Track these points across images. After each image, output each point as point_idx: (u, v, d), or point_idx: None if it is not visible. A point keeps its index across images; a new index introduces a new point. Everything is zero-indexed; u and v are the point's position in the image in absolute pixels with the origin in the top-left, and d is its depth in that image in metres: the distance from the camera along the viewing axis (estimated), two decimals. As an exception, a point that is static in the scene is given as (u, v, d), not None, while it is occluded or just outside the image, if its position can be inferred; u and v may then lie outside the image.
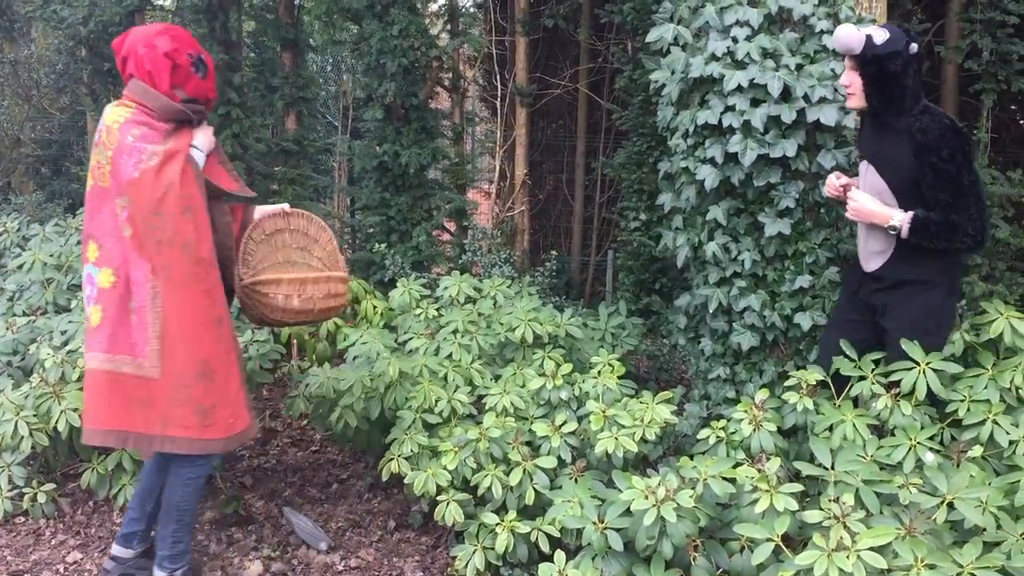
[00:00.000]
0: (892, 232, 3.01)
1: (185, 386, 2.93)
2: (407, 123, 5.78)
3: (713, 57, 3.51)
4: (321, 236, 3.42)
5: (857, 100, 3.08)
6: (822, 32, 3.45)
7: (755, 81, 3.42)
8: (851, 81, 3.05)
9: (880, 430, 3.14)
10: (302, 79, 6.29)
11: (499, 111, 6.36)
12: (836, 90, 3.43)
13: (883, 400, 3.10)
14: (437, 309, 4.23)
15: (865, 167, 3.12)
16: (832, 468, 2.83)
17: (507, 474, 3.19)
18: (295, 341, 4.71)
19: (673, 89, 3.69)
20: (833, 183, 3.17)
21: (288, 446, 4.41)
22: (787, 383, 3.34)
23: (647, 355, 5.12)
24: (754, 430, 3.12)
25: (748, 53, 3.45)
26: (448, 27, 6.09)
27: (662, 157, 5.75)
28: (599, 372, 3.61)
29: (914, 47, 2.96)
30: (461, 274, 5.82)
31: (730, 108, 3.47)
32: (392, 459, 3.39)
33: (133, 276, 2.96)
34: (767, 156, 3.46)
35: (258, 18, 6.33)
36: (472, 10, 6.58)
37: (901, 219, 3.00)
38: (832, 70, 3.42)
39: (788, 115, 3.41)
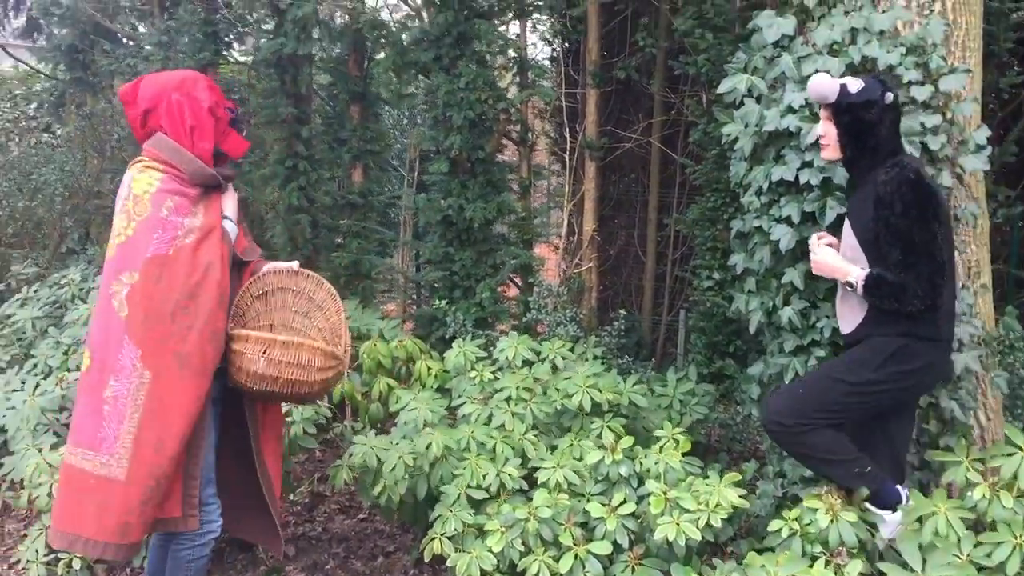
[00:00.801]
0: (849, 289, 2.86)
1: (163, 486, 2.75)
2: (473, 176, 5.63)
3: (790, 109, 3.27)
4: (328, 305, 3.16)
5: (831, 151, 2.96)
6: (910, 83, 3.17)
7: (836, 135, 3.16)
8: (826, 131, 2.95)
9: (977, 525, 2.80)
10: (370, 132, 6.22)
11: (568, 164, 6.17)
12: (926, 145, 3.15)
13: (980, 489, 2.77)
14: (493, 372, 4.01)
15: (845, 222, 2.99)
16: (923, 572, 2.50)
17: (557, 560, 2.93)
18: (348, 402, 4.55)
19: (746, 143, 3.45)
20: (814, 243, 3.01)
21: (336, 512, 4.23)
22: (871, 466, 3.01)
23: (719, 423, 4.80)
24: (832, 521, 2.80)
25: (828, 105, 3.19)
26: (517, 80, 5.95)
27: (736, 214, 5.51)
28: (661, 447, 3.34)
29: (889, 96, 2.85)
30: (525, 331, 5.64)
31: (807, 164, 3.22)
32: (435, 538, 3.16)
33: (116, 362, 2.73)
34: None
35: (330, 71, 6.29)
36: (543, 62, 6.44)
37: (857, 276, 2.82)
38: (922, 124, 3.14)
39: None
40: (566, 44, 6.56)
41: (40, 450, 3.61)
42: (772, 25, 3.41)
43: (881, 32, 3.21)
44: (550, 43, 6.73)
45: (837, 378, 2.86)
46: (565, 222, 6.20)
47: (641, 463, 3.29)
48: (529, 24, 6.14)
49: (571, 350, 4.48)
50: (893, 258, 2.76)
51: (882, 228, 2.78)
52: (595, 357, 4.54)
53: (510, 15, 5.97)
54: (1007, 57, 5.48)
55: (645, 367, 5.24)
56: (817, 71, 3.27)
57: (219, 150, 2.96)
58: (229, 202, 3.00)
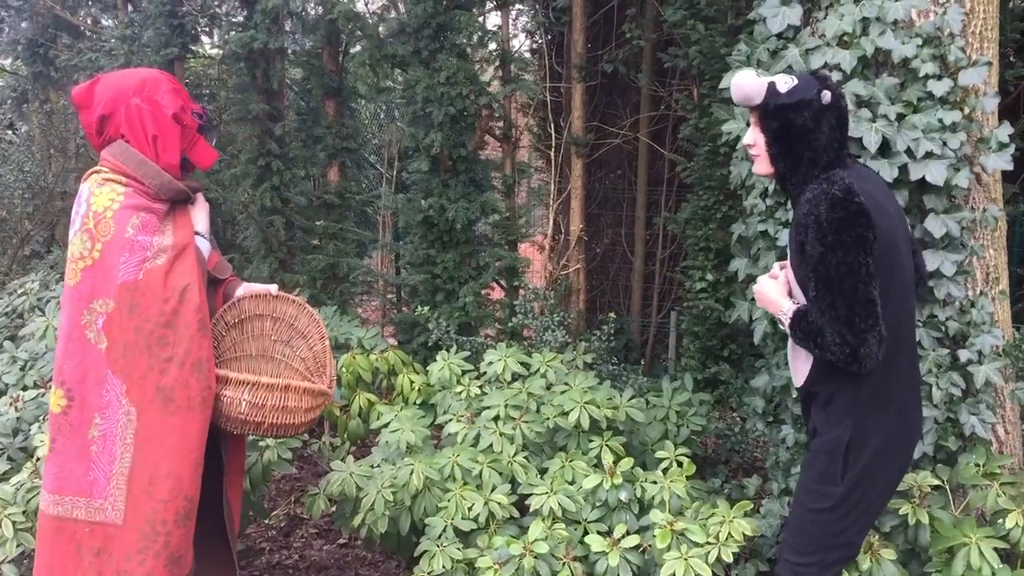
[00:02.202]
0: (783, 327, 2.46)
1: (163, 534, 2.46)
2: (455, 175, 5.38)
3: (798, 106, 3.03)
4: (311, 332, 2.89)
5: (762, 163, 2.52)
6: (927, 77, 2.95)
7: (848, 133, 2.94)
8: (755, 139, 2.51)
9: (1012, 555, 2.59)
10: (346, 128, 5.95)
11: (553, 162, 5.93)
12: (945, 144, 2.93)
13: (1014, 517, 2.56)
14: (480, 387, 3.77)
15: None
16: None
17: (556, 599, 2.70)
18: (326, 418, 4.29)
19: (750, 142, 3.21)
20: (775, 273, 2.60)
21: (314, 537, 3.97)
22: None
23: (716, 434, 4.59)
24: (871, 559, 2.58)
25: (839, 101, 2.97)
26: (500, 73, 5.70)
27: (731, 212, 5.30)
28: (665, 470, 3.11)
29: (827, 96, 2.41)
30: (511, 336, 5.40)
31: (819, 165, 2.99)
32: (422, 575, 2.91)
33: (100, 398, 2.48)
34: (863, 220, 2.96)
35: (303, 65, 6.01)
36: (526, 55, 6.19)
37: (787, 309, 2.44)
38: (940, 120, 2.93)
39: (888, 172, 2.92)
40: (549, 36, 6.31)
41: (-8, 479, 3.34)
42: (777, 15, 3.18)
43: (895, 22, 2.99)
44: (532, 35, 6.48)
45: (812, 509, 2.46)
46: (551, 221, 5.96)
47: (642, 487, 3.07)
48: (511, 15, 5.88)
49: (560, 352, 4.26)
50: (810, 294, 2.37)
51: (796, 257, 2.41)
52: (586, 365, 4.32)
53: (491, 5, 5.71)
54: (1005, 48, 5.30)
55: (635, 371, 5.02)
56: (827, 64, 3.05)
57: (186, 159, 2.68)
58: (200, 216, 2.73)
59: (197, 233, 2.65)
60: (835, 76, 3.01)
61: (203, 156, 2.69)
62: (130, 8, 6.18)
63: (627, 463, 3.15)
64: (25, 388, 3.96)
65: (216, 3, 5.96)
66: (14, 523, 3.06)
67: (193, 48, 6.22)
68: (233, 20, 6.14)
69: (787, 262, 2.56)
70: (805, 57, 3.07)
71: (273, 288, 2.87)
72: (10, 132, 8.18)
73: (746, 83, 2.42)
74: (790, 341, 2.56)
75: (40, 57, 6.49)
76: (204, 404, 2.52)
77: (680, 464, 3.15)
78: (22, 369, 4.12)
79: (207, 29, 6.21)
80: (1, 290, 5.37)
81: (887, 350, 2.34)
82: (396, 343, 5.70)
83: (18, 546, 3.05)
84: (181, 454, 2.48)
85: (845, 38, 3.05)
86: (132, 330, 2.47)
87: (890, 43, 2.96)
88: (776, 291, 2.50)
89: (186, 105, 2.63)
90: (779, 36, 3.22)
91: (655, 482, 3.04)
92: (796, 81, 2.43)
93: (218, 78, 6.96)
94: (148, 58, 5.79)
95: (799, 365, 2.54)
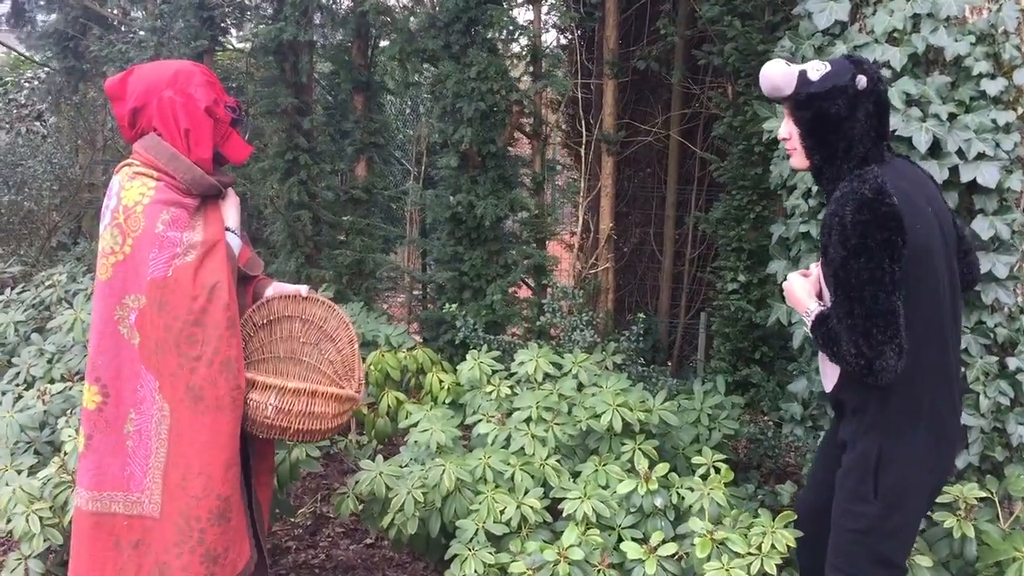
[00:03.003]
0: (806, 329, 2.37)
1: (197, 530, 2.42)
2: (484, 171, 5.32)
3: (845, 104, 2.95)
4: (339, 335, 2.83)
5: (798, 157, 2.40)
6: (980, 76, 2.86)
7: (897, 133, 2.86)
8: (789, 132, 2.39)
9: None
10: (374, 123, 5.91)
11: (583, 159, 5.85)
12: (998, 145, 2.84)
13: (1066, 531, 2.47)
14: (511, 387, 3.71)
15: None
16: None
17: (591, 607, 2.63)
18: (353, 416, 4.24)
19: (793, 141, 3.13)
20: (809, 271, 2.51)
21: (340, 536, 3.92)
22: (940, 499, 2.72)
23: (748, 437, 4.50)
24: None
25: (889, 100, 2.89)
26: (531, 69, 5.63)
27: (765, 213, 5.21)
28: (702, 476, 3.04)
29: (862, 81, 2.26)
30: (539, 336, 5.33)
31: (866, 165, 2.90)
32: (453, 580, 2.86)
33: (135, 394, 2.45)
34: (911, 223, 2.88)
35: (332, 59, 5.97)
36: (557, 51, 6.11)
37: (812, 311, 2.33)
38: (993, 120, 2.83)
39: (938, 173, 2.84)
40: (580, 32, 6.23)
41: (20, 472, 3.30)
42: (824, 10, 3.09)
43: (947, 18, 2.90)
44: (564, 31, 6.40)
45: (850, 530, 2.34)
46: (580, 220, 5.88)
47: (678, 494, 2.99)
48: (543, 10, 5.80)
49: (588, 352, 4.19)
50: (830, 299, 2.27)
51: (821, 258, 2.30)
52: (616, 366, 4.24)
53: (522, 0, 5.63)
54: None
55: (663, 372, 4.94)
56: (876, 61, 2.96)
57: (218, 154, 2.63)
58: (231, 211, 2.67)
59: (227, 229, 2.60)
60: (884, 74, 2.92)
61: (236, 151, 2.64)
62: (160, 0, 6.15)
63: (662, 468, 3.08)
64: (52, 381, 3.93)
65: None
66: (41, 519, 3.02)
67: (222, 41, 6.19)
68: (263, 13, 6.11)
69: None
70: (853, 53, 2.98)
71: (304, 289, 2.81)
72: (38, 124, 8.19)
73: (775, 73, 2.30)
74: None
75: (70, 50, 6.48)
76: (234, 404, 2.47)
77: (718, 470, 3.07)
78: (49, 362, 4.09)
79: (237, 22, 6.17)
80: (29, 282, 5.36)
81: (918, 358, 2.22)
82: (422, 340, 5.65)
83: (44, 541, 3.02)
84: (212, 453, 2.44)
85: (895, 35, 2.96)
86: (162, 328, 2.43)
87: (942, 40, 2.87)
88: (804, 290, 2.40)
89: (219, 98, 2.58)
90: (825, 32, 3.14)
91: (692, 489, 2.96)
92: (829, 67, 2.30)
93: (246, 71, 6.93)
94: (177, 50, 5.76)
95: (828, 370, 2.44)
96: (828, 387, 2.46)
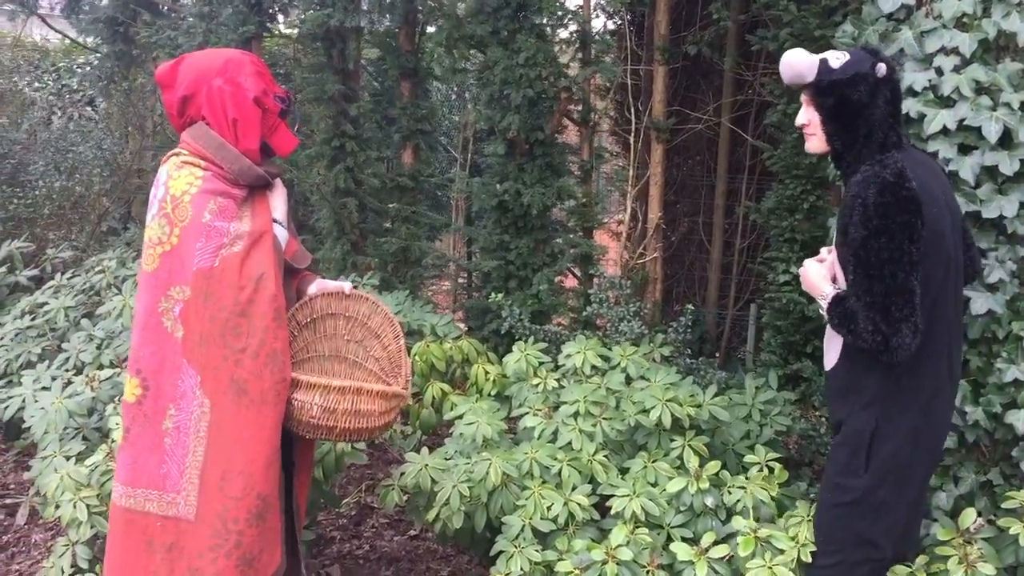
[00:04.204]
0: (821, 312, 2.41)
1: (235, 532, 2.37)
2: (531, 159, 5.25)
3: (911, 92, 2.85)
4: (385, 331, 2.78)
5: (817, 142, 2.50)
6: (1055, 63, 2.73)
7: (966, 122, 2.75)
8: (809, 119, 2.48)
9: None
10: (421, 110, 5.86)
11: (632, 147, 5.75)
12: (1073, 135, 2.71)
13: None
14: (558, 380, 3.65)
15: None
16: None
17: (640, 609, 2.58)
18: (398, 405, 4.22)
19: (855, 131, 3.02)
20: (823, 256, 2.59)
21: (384, 527, 3.90)
22: (1005, 504, 2.63)
23: (800, 433, 4.40)
24: (965, 572, 2.41)
25: (957, 88, 2.78)
26: (579, 55, 5.54)
27: (819, 203, 5.08)
28: (755, 474, 2.96)
29: (882, 68, 2.38)
30: (585, 326, 5.26)
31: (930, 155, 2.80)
32: (500, 577, 2.81)
33: (175, 388, 2.41)
34: (978, 215, 2.77)
35: (379, 45, 5.93)
36: (606, 37, 6.01)
37: (827, 294, 2.43)
38: (1067, 111, 2.70)
39: (1008, 165, 2.72)
40: (630, 17, 6.12)
41: (68, 458, 3.32)
42: (889, -5, 2.97)
43: (1020, 3, 2.77)
44: (613, 16, 6.29)
45: (835, 504, 2.42)
46: (628, 208, 5.79)
47: (729, 492, 2.92)
48: (593, -6, 5.71)
49: (635, 346, 4.11)
50: (849, 278, 2.34)
51: (840, 239, 2.37)
52: (664, 358, 4.17)
53: (573, -15, 5.55)
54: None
55: (711, 365, 4.85)
56: (943, 47, 2.84)
57: (266, 144, 2.60)
58: (278, 202, 2.63)
59: (275, 220, 2.57)
60: (953, 60, 2.81)
61: (283, 142, 2.60)
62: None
63: (713, 466, 3.01)
64: (101, 367, 3.96)
65: (294, -19, 5.90)
66: (88, 506, 3.04)
67: (270, 27, 6.18)
68: (310, -1, 6.08)
69: (834, 246, 2.52)
70: (920, 40, 2.87)
71: (347, 286, 2.78)
72: (89, 109, 8.28)
73: (797, 61, 2.40)
74: (828, 327, 2.52)
75: (120, 35, 6.52)
76: (278, 398, 2.44)
77: (771, 470, 2.99)
78: (98, 348, 4.12)
79: (284, 7, 6.16)
80: (79, 266, 5.42)
81: (923, 339, 2.28)
82: (467, 329, 5.61)
83: (91, 528, 3.03)
84: (254, 450, 2.40)
85: (964, 19, 2.84)
86: (208, 319, 2.41)
87: (1015, 25, 2.74)
88: (819, 275, 2.48)
89: (268, 88, 2.54)
90: (890, 17, 3.02)
91: (743, 487, 2.89)
92: (848, 56, 2.40)
93: (294, 58, 6.92)
94: (225, 36, 5.76)
95: (830, 349, 2.50)
96: (828, 365, 2.52)
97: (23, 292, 5.04)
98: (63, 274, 4.96)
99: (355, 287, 2.87)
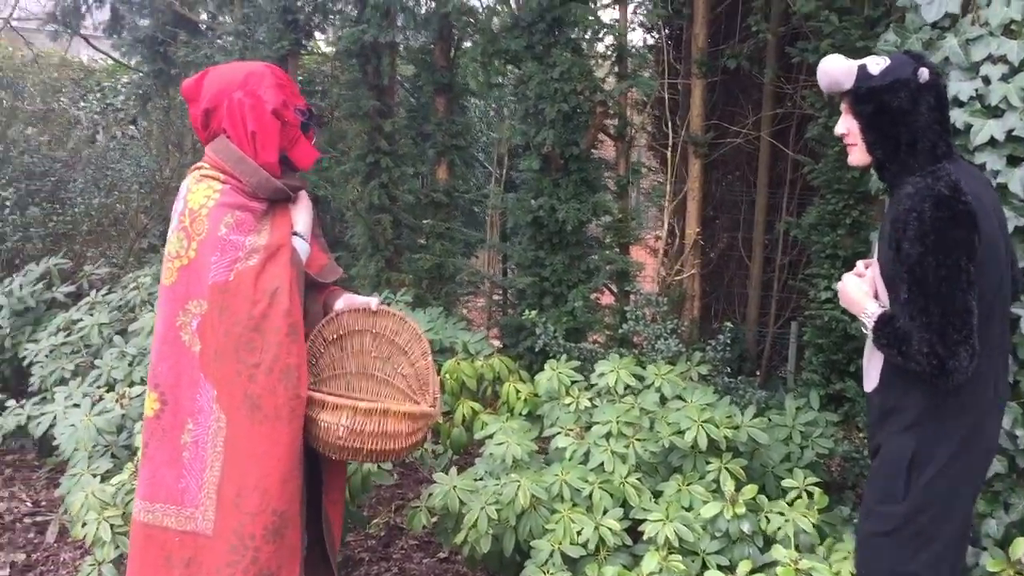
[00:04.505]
0: (864, 331, 2.27)
1: (251, 549, 2.33)
2: (566, 174, 5.19)
3: (956, 102, 2.73)
4: (412, 348, 2.71)
5: (858, 153, 2.37)
6: (1110, 70, 2.60)
7: (1014, 133, 2.63)
8: (848, 128, 2.36)
9: None
10: (456, 125, 5.83)
11: (669, 162, 5.66)
12: None
13: None
14: (591, 399, 3.56)
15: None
16: None
17: (672, 640, 2.48)
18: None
19: (898, 142, 2.91)
20: (861, 271, 2.44)
21: (414, 549, 3.83)
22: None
23: (843, 456, 4.26)
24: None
25: (1005, 97, 2.67)
26: (616, 69, 5.47)
27: (862, 218, 4.94)
28: (792, 500, 2.85)
29: (924, 74, 2.25)
30: (621, 344, 5.16)
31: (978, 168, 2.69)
32: (527, 603, 2.73)
33: (193, 403, 2.39)
34: (1027, 229, 2.65)
35: (414, 61, 5.92)
36: (643, 51, 5.93)
37: (872, 313, 2.27)
38: (1125, 120, 2.57)
39: (1060, 178, 2.59)
40: (668, 30, 6.04)
41: (95, 476, 3.31)
42: (933, 2, 2.86)
43: (1072, 8, 2.65)
44: (650, 29, 6.22)
45: (873, 533, 2.28)
46: (665, 224, 5.69)
47: (767, 519, 2.81)
48: (629, 8, 5.64)
49: (672, 364, 4.01)
50: (901, 297, 2.19)
51: (891, 256, 2.22)
52: (701, 377, 4.06)
53: (609, -1, 5.48)
54: None
55: (750, 384, 4.73)
56: (991, 55, 2.72)
57: (287, 157, 2.57)
58: (300, 215, 2.60)
59: (295, 234, 2.53)
60: (1000, 69, 2.70)
61: (303, 155, 2.57)
62: (245, 4, 6.20)
63: (750, 491, 2.90)
64: (132, 384, 3.95)
65: (330, -1, 5.91)
66: (112, 526, 3.01)
67: (306, 44, 6.20)
68: (347, 16, 6.09)
69: (873, 259, 2.40)
70: (965, 48, 2.76)
71: (374, 302, 2.72)
72: (132, 128, 8.38)
73: (834, 67, 2.30)
74: (868, 343, 2.38)
75: (160, 54, 6.58)
76: (292, 415, 2.39)
77: (811, 495, 2.88)
78: (130, 365, 4.12)
79: (320, 24, 6.17)
80: (115, 283, 5.44)
81: None
82: (501, 346, 5.54)
83: (116, 548, 3.01)
84: (268, 466, 2.36)
85: (1013, 27, 2.73)
86: (222, 333, 2.37)
87: (1067, 32, 2.62)
88: (860, 291, 2.35)
89: (288, 100, 2.51)
90: (934, 25, 2.91)
91: (782, 514, 2.78)
92: (889, 61, 2.30)
93: (331, 75, 6.94)
94: (261, 54, 5.78)
95: (871, 369, 2.37)
96: (868, 387, 2.39)
97: (60, 308, 5.07)
98: (99, 291, 4.99)
99: (387, 304, 2.81)
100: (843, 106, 2.36)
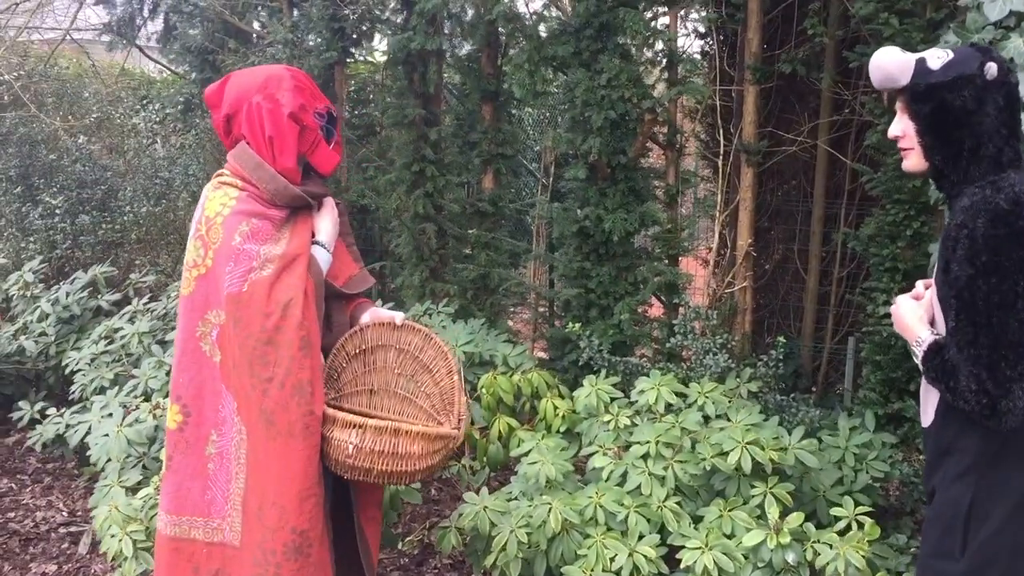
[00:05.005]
0: (915, 360, 2.02)
1: (273, 564, 2.26)
2: (613, 183, 5.05)
3: (1021, 106, 2.54)
4: (438, 365, 2.60)
5: (914, 159, 2.11)
6: None
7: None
8: (904, 130, 2.09)
9: None
10: (502, 134, 5.74)
11: (721, 170, 5.49)
12: None
13: None
14: (630, 417, 3.42)
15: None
16: None
17: None
18: (467, 440, 4.05)
19: (960, 149, 2.73)
20: (920, 293, 2.19)
21: (447, 569, 3.72)
22: None
23: (900, 479, 4.04)
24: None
25: (1075, 100, 2.46)
26: (666, 75, 5.32)
27: (923, 229, 4.71)
28: (842, 530, 2.67)
29: (992, 69, 1.98)
30: (669, 359, 5.00)
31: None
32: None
33: (217, 414, 2.35)
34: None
35: (461, 68, 5.85)
36: (695, 56, 5.77)
37: (923, 340, 2.03)
38: None
39: None
40: (721, 35, 5.86)
41: (124, 487, 3.27)
42: (996, 0, 2.68)
43: None
44: (703, 36, 6.06)
45: None
46: (716, 235, 5.52)
47: (814, 549, 2.64)
48: (681, 13, 5.49)
49: (721, 380, 3.85)
50: (950, 324, 1.95)
51: (941, 276, 2.00)
52: (751, 394, 3.89)
53: (660, 3, 5.33)
54: None
55: (804, 401, 4.53)
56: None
57: (308, 163, 2.49)
58: (324, 223, 2.52)
59: (316, 242, 2.45)
60: (1071, 70, 2.50)
61: (324, 161, 2.49)
62: (295, 13, 6.19)
63: (796, 518, 2.73)
64: (167, 395, 3.91)
65: (378, 6, 5.86)
66: (135, 541, 2.96)
67: (354, 52, 6.17)
68: (394, 23, 6.05)
69: (933, 280, 2.14)
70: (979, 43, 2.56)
71: (399, 316, 2.63)
72: (186, 136, 8.47)
73: (887, 61, 2.03)
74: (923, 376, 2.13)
75: (209, 63, 6.62)
76: (306, 431, 2.31)
77: (861, 526, 2.70)
78: (167, 374, 4.09)
79: (367, 32, 6.14)
80: (162, 291, 5.46)
81: None
82: (548, 358, 5.42)
83: (139, 563, 2.95)
84: (283, 483, 2.29)
85: (1084, 24, 2.53)
86: (236, 346, 2.31)
87: None
88: (915, 316, 2.11)
89: (307, 104, 2.43)
90: (998, 25, 2.72)
91: (830, 545, 2.60)
92: (952, 55, 2.03)
93: (381, 83, 6.91)
94: (308, 62, 5.76)
95: (928, 403, 2.12)
96: (925, 422, 2.16)
97: (105, 317, 5.09)
98: (140, 300, 4.99)
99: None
100: (898, 105, 2.11)
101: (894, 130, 2.13)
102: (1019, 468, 1.97)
